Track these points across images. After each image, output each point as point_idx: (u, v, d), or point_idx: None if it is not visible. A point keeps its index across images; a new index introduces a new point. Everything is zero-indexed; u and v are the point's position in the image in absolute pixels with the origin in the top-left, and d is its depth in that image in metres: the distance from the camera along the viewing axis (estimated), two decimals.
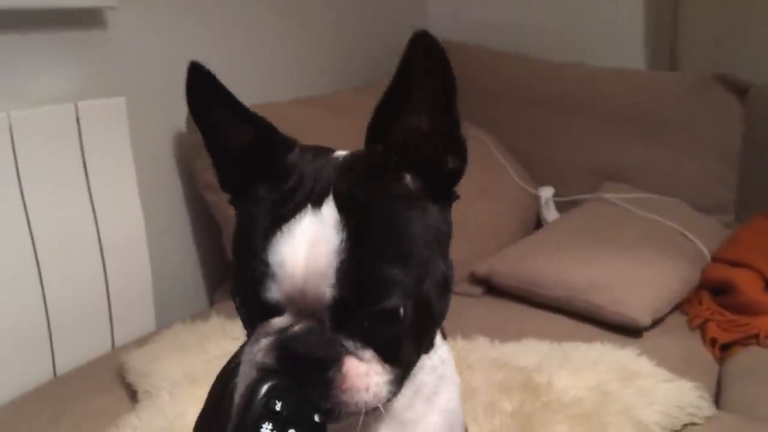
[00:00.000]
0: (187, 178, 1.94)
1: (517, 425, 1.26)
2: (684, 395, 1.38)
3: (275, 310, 0.64)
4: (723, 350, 1.68)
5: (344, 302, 0.61)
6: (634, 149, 2.35)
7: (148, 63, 1.81)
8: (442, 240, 0.71)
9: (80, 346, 1.62)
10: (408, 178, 0.68)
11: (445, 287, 0.70)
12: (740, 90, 2.29)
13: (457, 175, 0.71)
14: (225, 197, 0.75)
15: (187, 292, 2.01)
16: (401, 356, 0.66)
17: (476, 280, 1.93)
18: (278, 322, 0.64)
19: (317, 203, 0.63)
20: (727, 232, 2.16)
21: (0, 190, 1.46)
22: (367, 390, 0.63)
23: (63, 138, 1.57)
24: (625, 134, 2.37)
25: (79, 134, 1.59)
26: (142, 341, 1.62)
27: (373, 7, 2.67)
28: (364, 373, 0.63)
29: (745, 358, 1.63)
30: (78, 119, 1.58)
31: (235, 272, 0.67)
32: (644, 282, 1.75)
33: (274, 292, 0.62)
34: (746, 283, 1.81)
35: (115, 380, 1.51)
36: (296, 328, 0.63)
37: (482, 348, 1.54)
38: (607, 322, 1.70)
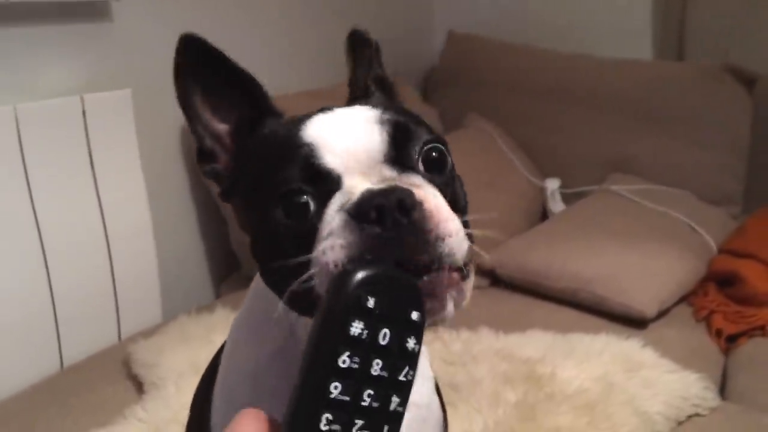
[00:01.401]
0: (192, 169, 1.95)
1: (521, 415, 1.26)
2: (689, 386, 1.38)
3: (332, 182, 0.60)
4: (729, 341, 1.67)
5: (396, 141, 0.62)
6: (642, 140, 2.34)
7: (153, 55, 1.80)
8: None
9: (87, 338, 1.63)
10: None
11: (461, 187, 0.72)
12: (748, 81, 2.28)
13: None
14: (217, 191, 0.75)
15: (193, 284, 2.02)
16: (461, 204, 0.68)
17: (482, 271, 1.93)
18: (340, 197, 0.59)
19: (328, 109, 0.67)
20: (734, 224, 2.16)
21: (7, 183, 1.47)
22: (452, 219, 0.60)
23: (69, 130, 1.57)
24: (633, 125, 2.36)
25: (85, 127, 1.59)
26: (148, 333, 1.63)
27: (379, 0, 2.66)
28: (443, 204, 0.60)
29: (750, 349, 1.63)
30: (84, 112, 1.59)
31: (273, 184, 0.62)
32: (650, 273, 1.75)
33: (328, 160, 0.60)
34: (753, 274, 1.80)
35: (122, 371, 1.52)
36: (359, 191, 0.59)
37: (486, 339, 1.54)
38: (613, 314, 1.70)
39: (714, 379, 1.49)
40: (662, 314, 1.71)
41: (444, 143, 0.66)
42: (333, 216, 0.58)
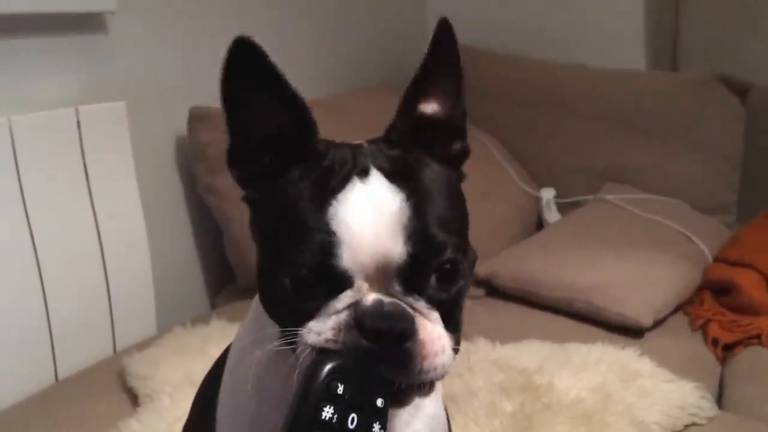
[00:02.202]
0: (187, 181, 1.94)
1: (518, 426, 1.26)
2: (685, 396, 1.38)
3: (343, 281, 0.61)
4: (725, 351, 1.67)
5: (415, 259, 0.61)
6: (636, 150, 2.35)
7: (148, 67, 1.82)
8: (465, 216, 0.74)
9: (82, 350, 1.62)
10: (427, 156, 0.71)
11: (472, 264, 0.71)
12: (741, 90, 2.29)
13: (463, 156, 0.76)
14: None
15: (189, 296, 2.01)
16: (459, 319, 0.67)
17: (477, 281, 1.92)
18: (347, 297, 0.62)
19: (362, 175, 0.64)
20: (728, 233, 2.16)
21: (1, 195, 1.47)
22: (443, 352, 0.63)
23: (64, 142, 1.57)
24: (627, 135, 2.37)
25: (80, 139, 1.59)
26: (143, 345, 1.62)
27: (372, 9, 2.67)
28: (437, 336, 0.63)
29: (747, 358, 1.63)
30: (79, 123, 1.58)
31: (287, 253, 0.63)
32: (646, 283, 1.75)
33: (345, 259, 0.60)
34: (748, 283, 1.80)
35: (117, 384, 1.51)
36: (367, 301, 0.61)
37: (483, 350, 1.53)
38: (609, 323, 1.69)
39: (711, 389, 1.49)
40: (658, 323, 1.71)
41: (462, 260, 0.65)
42: (338, 310, 0.61)
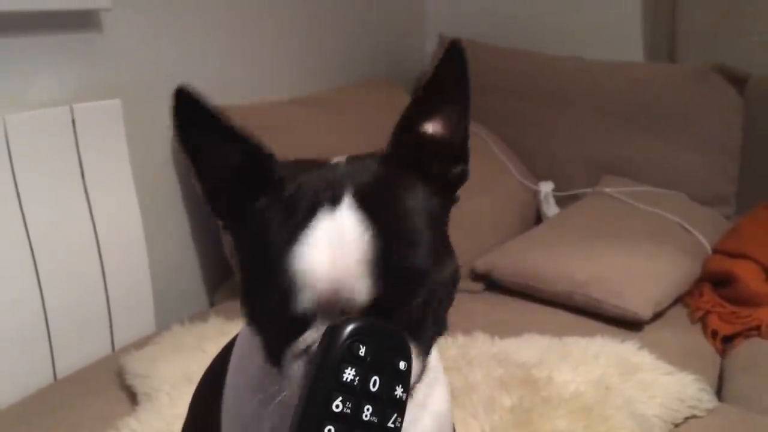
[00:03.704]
0: (184, 179, 1.94)
1: (517, 420, 1.26)
2: (685, 388, 1.38)
3: (305, 323, 0.60)
4: (725, 342, 1.67)
5: (381, 298, 0.59)
6: (634, 142, 2.35)
7: (143, 65, 1.81)
8: (445, 239, 0.70)
9: (80, 349, 1.62)
10: (419, 179, 0.68)
11: (454, 282, 0.69)
12: (739, 81, 2.28)
13: (461, 179, 0.73)
14: (218, 222, 0.73)
15: (187, 294, 2.01)
16: (426, 339, 0.65)
17: (476, 275, 1.92)
18: (308, 337, 0.60)
19: (333, 204, 0.61)
20: (727, 224, 2.16)
21: None
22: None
23: (59, 141, 1.56)
24: (625, 127, 2.37)
25: (75, 137, 1.58)
26: (141, 343, 1.62)
27: (372, 3, 2.66)
28: None
29: (746, 350, 1.63)
30: (74, 122, 1.58)
31: (254, 293, 0.64)
32: (645, 275, 1.75)
33: (305, 302, 0.59)
34: (747, 274, 1.80)
35: (115, 382, 1.51)
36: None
37: (482, 344, 1.53)
38: (608, 316, 1.69)
39: (710, 381, 1.49)
40: (658, 316, 1.71)
41: (433, 297, 0.63)
42: (296, 358, 0.61)
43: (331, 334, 0.56)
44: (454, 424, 0.85)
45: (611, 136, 2.38)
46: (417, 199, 0.66)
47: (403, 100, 2.75)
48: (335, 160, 0.69)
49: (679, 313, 1.78)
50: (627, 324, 1.67)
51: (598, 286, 1.72)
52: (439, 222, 0.68)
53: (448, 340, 1.54)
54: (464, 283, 1.92)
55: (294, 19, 2.30)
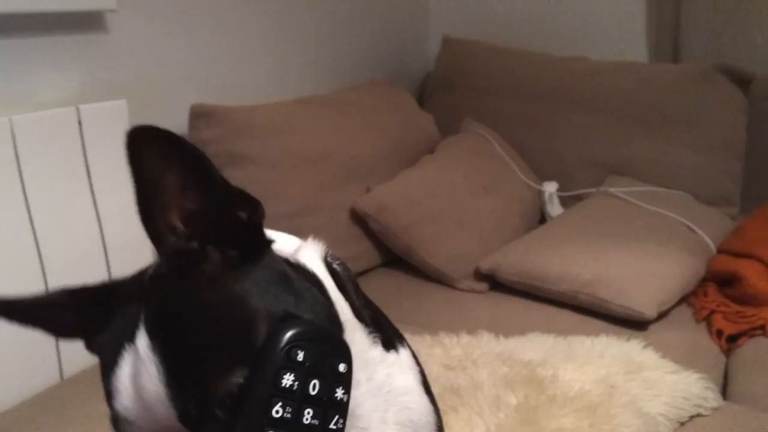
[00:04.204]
0: None
1: (523, 419, 1.26)
2: (690, 387, 1.38)
3: None
4: (729, 342, 1.67)
5: (187, 414, 0.58)
6: (638, 142, 2.35)
7: (148, 65, 1.82)
8: (281, 285, 0.65)
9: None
10: (212, 253, 0.64)
11: (317, 312, 0.65)
12: (743, 81, 2.28)
13: (257, 221, 0.66)
14: None
15: None
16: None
17: (480, 276, 1.93)
18: None
19: (130, 339, 0.61)
20: (732, 224, 2.16)
21: (4, 194, 1.47)
22: None
23: (65, 141, 1.57)
24: (629, 127, 2.37)
25: (82, 137, 1.59)
26: None
27: (375, 4, 2.67)
28: None
29: (751, 349, 1.63)
30: (80, 122, 1.58)
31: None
32: (649, 275, 1.75)
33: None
34: (752, 274, 1.80)
35: None
36: None
37: (486, 343, 1.53)
38: (613, 316, 1.69)
39: (715, 380, 1.49)
40: (662, 315, 1.71)
41: (241, 375, 0.58)
42: None
43: (269, 341, 0.57)
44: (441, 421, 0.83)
45: (615, 136, 2.38)
46: (208, 298, 0.62)
47: (405, 101, 2.77)
48: (148, 265, 0.68)
49: (684, 312, 1.78)
50: (632, 324, 1.67)
51: (603, 286, 1.72)
52: (256, 285, 0.63)
53: (453, 339, 1.55)
54: (468, 283, 1.93)
55: (298, 21, 2.30)
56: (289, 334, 0.57)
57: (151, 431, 0.61)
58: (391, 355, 0.76)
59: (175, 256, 0.64)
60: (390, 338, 0.78)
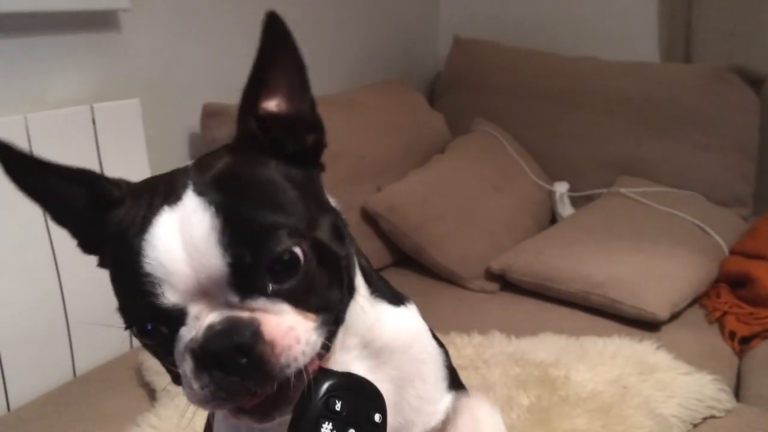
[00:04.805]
0: None
1: (535, 419, 1.26)
2: (703, 388, 1.37)
3: (177, 317, 0.61)
4: (742, 343, 1.66)
5: (239, 263, 0.59)
6: (650, 143, 2.34)
7: (161, 64, 1.82)
8: (318, 199, 0.71)
9: (99, 346, 1.63)
10: (272, 156, 0.69)
11: (339, 233, 0.69)
12: (755, 81, 2.27)
13: (317, 148, 0.73)
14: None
15: None
16: (317, 300, 0.64)
17: (491, 275, 1.92)
18: (186, 331, 0.61)
19: (173, 201, 0.62)
20: (744, 225, 2.15)
21: (18, 193, 1.47)
22: (298, 342, 0.61)
23: (79, 139, 1.58)
24: (640, 128, 2.36)
25: (95, 136, 1.60)
26: None
27: (386, 5, 2.67)
28: (288, 328, 0.61)
29: (764, 350, 1.62)
30: (94, 121, 1.59)
31: (124, 306, 0.65)
32: (662, 276, 1.74)
33: (169, 297, 0.60)
34: (765, 275, 1.79)
35: (134, 379, 1.52)
36: (198, 333, 0.60)
37: (498, 343, 1.53)
38: (625, 317, 1.69)
39: (728, 381, 1.48)
40: (675, 317, 1.70)
41: (294, 244, 0.62)
42: (182, 355, 0.61)
43: (308, 391, 0.61)
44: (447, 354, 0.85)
45: (627, 136, 2.37)
46: (266, 174, 0.67)
47: (416, 101, 2.78)
48: (185, 165, 0.69)
49: (697, 313, 1.77)
50: (644, 324, 1.66)
51: (615, 287, 1.71)
52: (303, 188, 0.68)
53: (465, 339, 1.55)
54: (479, 283, 1.92)
55: (308, 21, 2.31)
56: (327, 384, 0.61)
57: (186, 289, 0.60)
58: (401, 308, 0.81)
59: (251, 138, 0.68)
60: (397, 295, 0.83)
